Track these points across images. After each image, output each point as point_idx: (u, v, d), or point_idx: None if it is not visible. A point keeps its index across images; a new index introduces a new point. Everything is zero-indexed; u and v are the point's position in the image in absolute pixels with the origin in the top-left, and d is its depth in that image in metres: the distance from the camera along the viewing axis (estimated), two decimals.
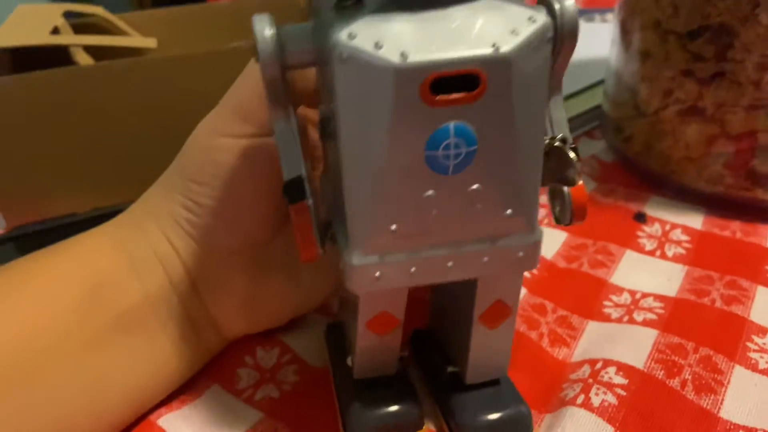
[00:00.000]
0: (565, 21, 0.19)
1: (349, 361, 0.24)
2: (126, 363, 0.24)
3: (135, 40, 0.40)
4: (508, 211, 0.19)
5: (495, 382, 0.24)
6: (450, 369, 0.25)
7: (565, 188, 0.21)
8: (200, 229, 0.25)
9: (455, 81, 0.17)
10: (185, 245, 0.25)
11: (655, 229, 0.35)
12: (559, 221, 0.22)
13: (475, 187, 0.18)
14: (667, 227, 0.35)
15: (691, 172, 0.36)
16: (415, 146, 0.18)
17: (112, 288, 0.24)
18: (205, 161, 0.24)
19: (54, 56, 0.40)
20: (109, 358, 0.24)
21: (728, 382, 0.26)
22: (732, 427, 0.24)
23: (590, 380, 0.26)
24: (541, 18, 0.17)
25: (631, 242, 0.34)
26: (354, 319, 0.22)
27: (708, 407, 0.25)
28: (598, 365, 0.26)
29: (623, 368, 0.26)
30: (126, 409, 0.25)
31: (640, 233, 0.35)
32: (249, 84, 0.24)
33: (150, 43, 0.40)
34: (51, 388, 0.23)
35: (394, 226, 0.19)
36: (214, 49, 0.37)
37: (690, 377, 0.26)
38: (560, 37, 0.19)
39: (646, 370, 0.26)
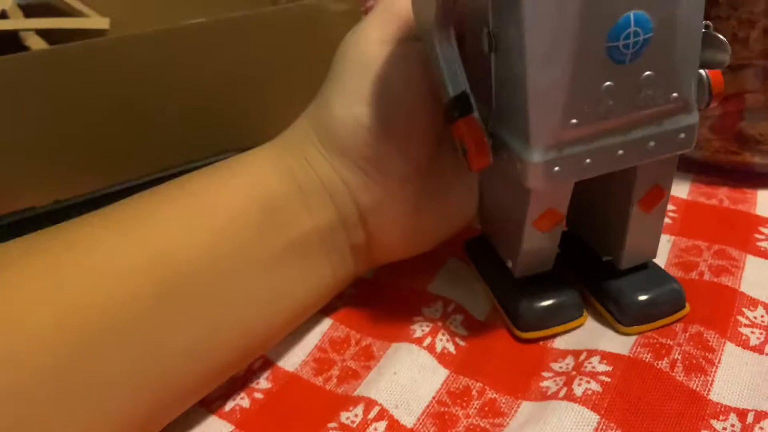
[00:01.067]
0: None
1: (509, 263, 0.27)
2: (294, 281, 0.25)
3: (87, 21, 0.38)
4: (674, 95, 0.21)
5: (643, 267, 0.27)
6: (604, 258, 0.27)
7: (703, 72, 0.22)
8: (371, 157, 0.25)
9: None
10: (354, 177, 0.25)
11: None
12: (700, 103, 0.23)
13: (647, 74, 0.20)
14: None
15: None
16: (598, 38, 0.19)
17: (286, 214, 0.25)
18: (363, 77, 0.24)
19: (3, 42, 0.38)
20: (281, 276, 0.25)
21: (719, 362, 0.25)
22: (722, 409, 0.23)
23: (573, 372, 0.24)
24: None
25: None
26: (515, 222, 0.24)
27: (697, 389, 0.24)
28: (582, 356, 0.25)
29: (607, 356, 0.25)
30: (292, 320, 0.26)
31: None
32: None
33: (102, 23, 0.38)
34: (237, 295, 0.24)
35: (574, 120, 0.20)
36: (169, 27, 0.35)
37: (680, 357, 0.25)
38: None
39: (632, 355, 0.25)
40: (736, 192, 0.33)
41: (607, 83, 0.20)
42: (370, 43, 0.25)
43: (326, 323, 0.28)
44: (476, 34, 0.23)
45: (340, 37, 0.38)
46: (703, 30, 0.21)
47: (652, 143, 0.22)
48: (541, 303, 0.26)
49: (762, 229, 0.31)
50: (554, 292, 0.26)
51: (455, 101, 0.22)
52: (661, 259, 0.30)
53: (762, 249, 0.30)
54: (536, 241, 0.25)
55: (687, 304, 0.26)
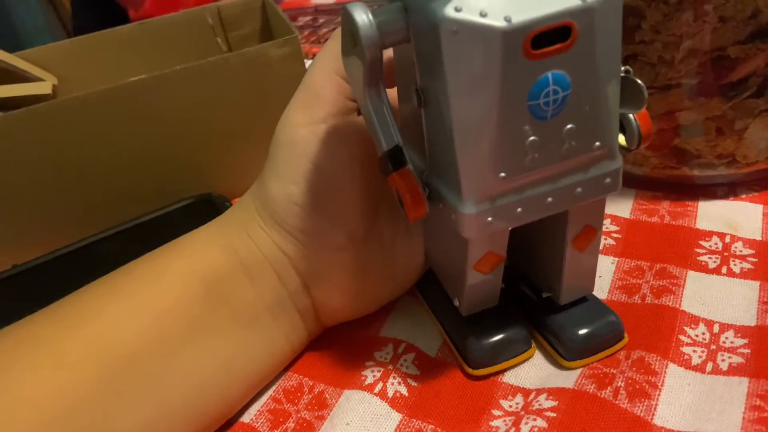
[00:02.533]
0: None
1: (456, 302, 0.27)
2: (245, 351, 0.26)
3: (30, 87, 0.38)
4: (597, 143, 0.22)
5: (583, 300, 0.28)
6: (544, 294, 0.28)
7: (631, 116, 0.24)
8: (307, 231, 0.26)
9: (547, 36, 0.19)
10: (293, 249, 0.26)
11: None
12: (627, 148, 0.24)
13: (569, 127, 0.21)
14: None
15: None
16: (519, 98, 0.20)
17: (229, 287, 0.26)
18: (293, 159, 0.26)
19: None
20: (229, 348, 0.26)
21: (662, 384, 0.25)
22: None
23: (522, 412, 0.25)
24: None
25: None
26: (457, 265, 0.25)
27: (642, 414, 0.24)
28: (531, 396, 0.26)
29: (553, 392, 0.25)
30: (247, 390, 0.27)
31: None
32: (318, 72, 0.26)
33: (45, 88, 0.38)
34: (185, 371, 0.25)
35: (502, 174, 0.21)
36: (112, 86, 0.35)
37: (623, 384, 0.25)
38: None
39: (576, 388, 0.25)
40: (677, 206, 0.34)
41: (531, 138, 0.21)
42: (296, 126, 0.26)
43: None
44: (407, 88, 0.23)
45: (283, 81, 0.38)
46: (622, 75, 0.22)
47: (579, 189, 0.23)
48: (490, 339, 0.27)
49: (702, 243, 0.32)
50: (501, 327, 0.27)
51: (389, 155, 0.23)
52: (605, 283, 0.30)
53: (702, 263, 0.31)
54: (479, 282, 0.26)
55: (626, 335, 0.27)
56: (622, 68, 0.23)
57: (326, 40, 0.60)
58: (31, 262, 0.37)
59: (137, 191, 0.38)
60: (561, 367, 0.27)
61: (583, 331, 0.26)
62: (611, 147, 0.22)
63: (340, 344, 0.29)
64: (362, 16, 0.20)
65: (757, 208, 0.33)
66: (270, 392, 0.28)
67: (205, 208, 0.38)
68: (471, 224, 0.22)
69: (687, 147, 0.33)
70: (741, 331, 0.27)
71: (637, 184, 0.36)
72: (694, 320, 0.28)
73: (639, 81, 0.23)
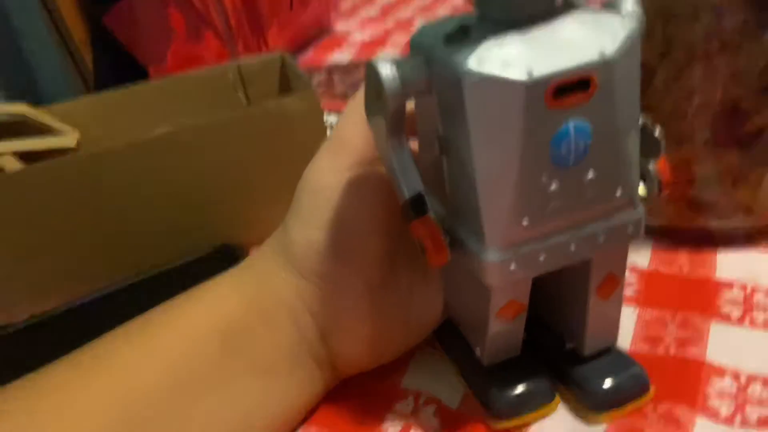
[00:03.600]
0: (638, 19, 0.21)
1: (477, 352, 0.27)
2: (262, 401, 0.26)
3: (55, 140, 0.39)
4: (618, 192, 0.22)
5: (607, 351, 0.27)
6: (568, 345, 0.27)
7: (651, 166, 0.24)
8: (325, 277, 0.26)
9: (569, 85, 0.20)
10: (311, 295, 0.26)
11: None
12: (647, 197, 0.24)
13: (590, 175, 0.21)
14: None
15: None
16: (541, 146, 0.20)
17: (246, 337, 0.26)
18: (317, 205, 0.26)
19: None
20: (245, 396, 0.26)
21: None
22: None
23: None
24: (630, 23, 0.20)
25: None
26: (479, 314, 0.25)
27: None
28: None
29: None
30: None
31: None
32: (347, 122, 0.27)
33: (70, 141, 0.39)
34: (202, 421, 0.25)
35: (525, 221, 0.21)
36: (136, 140, 0.36)
37: None
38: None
39: None
40: (696, 255, 0.34)
41: (554, 186, 0.21)
42: (323, 172, 0.26)
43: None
44: (428, 137, 0.24)
45: (301, 134, 0.39)
46: (640, 125, 0.23)
47: (602, 237, 0.23)
48: (513, 390, 0.26)
49: (723, 293, 0.31)
50: (524, 378, 0.27)
51: (411, 202, 0.23)
52: (627, 334, 0.30)
53: (724, 314, 0.30)
54: (502, 331, 0.26)
55: (652, 387, 0.26)
56: (641, 119, 0.23)
57: (341, 96, 0.62)
58: (49, 312, 0.37)
59: (156, 242, 0.39)
60: (586, 421, 0.26)
61: (608, 384, 0.26)
62: (632, 195, 0.23)
63: (359, 396, 0.29)
64: (386, 70, 0.21)
65: None
66: None
67: (223, 258, 0.39)
68: (494, 272, 0.22)
69: (703, 198, 0.34)
70: None
71: (654, 234, 0.36)
72: (720, 372, 0.27)
73: (656, 130, 0.23)
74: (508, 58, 0.19)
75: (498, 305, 0.24)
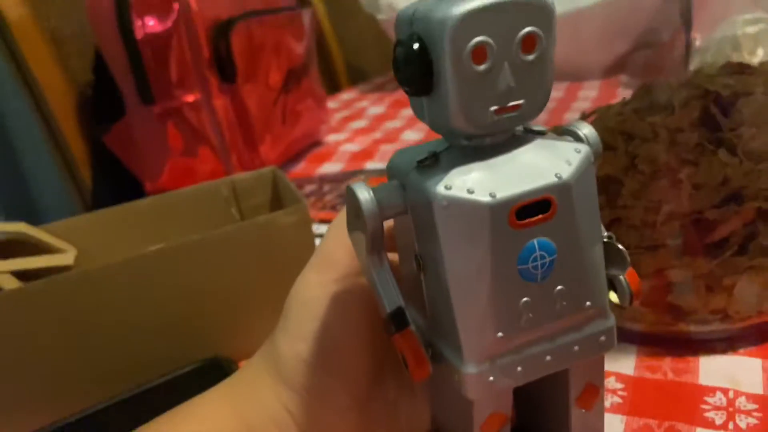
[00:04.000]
0: (592, 143, 0.23)
1: None
2: None
3: (52, 258, 0.40)
4: (588, 303, 0.23)
5: None
6: None
7: (621, 276, 0.24)
8: (312, 390, 0.27)
9: (532, 207, 0.21)
10: (298, 407, 0.27)
11: None
12: (620, 305, 0.25)
13: (559, 288, 0.22)
14: None
15: (616, 313, 0.36)
16: (509, 263, 0.21)
17: None
18: (304, 317, 0.27)
19: None
20: None
21: None
22: None
23: None
24: (584, 148, 0.22)
25: None
26: (463, 427, 0.25)
27: None
28: None
29: None
30: None
31: None
32: (332, 238, 0.28)
33: (67, 259, 0.41)
34: None
35: (500, 334, 0.22)
36: (130, 256, 0.38)
37: None
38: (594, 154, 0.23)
39: None
40: (679, 361, 0.35)
41: (524, 299, 0.22)
42: (310, 286, 0.27)
43: None
44: (406, 253, 0.25)
45: (292, 246, 0.40)
46: (605, 240, 0.24)
47: (576, 347, 0.23)
48: None
49: (707, 399, 0.32)
50: None
51: (391, 317, 0.24)
52: None
53: (709, 419, 0.31)
54: None
55: None
56: (605, 233, 0.24)
57: (332, 206, 0.64)
58: (39, 430, 0.37)
59: (149, 356, 0.39)
60: None
61: None
62: (602, 306, 0.24)
63: None
64: (364, 194, 0.23)
65: (756, 363, 0.34)
66: None
67: (212, 372, 0.39)
68: (473, 384, 0.23)
69: (680, 303, 0.35)
70: None
71: (638, 340, 0.37)
72: None
73: (620, 246, 0.24)
74: (474, 183, 0.21)
75: (481, 418, 0.25)
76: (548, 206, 0.22)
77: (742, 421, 0.30)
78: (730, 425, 0.30)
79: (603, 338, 0.24)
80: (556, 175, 0.21)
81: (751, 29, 0.47)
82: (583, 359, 0.24)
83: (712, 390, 0.32)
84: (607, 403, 0.33)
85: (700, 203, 0.32)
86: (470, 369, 0.22)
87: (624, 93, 0.37)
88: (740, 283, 0.34)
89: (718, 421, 0.30)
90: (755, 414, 0.30)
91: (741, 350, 0.35)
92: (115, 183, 0.78)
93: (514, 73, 0.21)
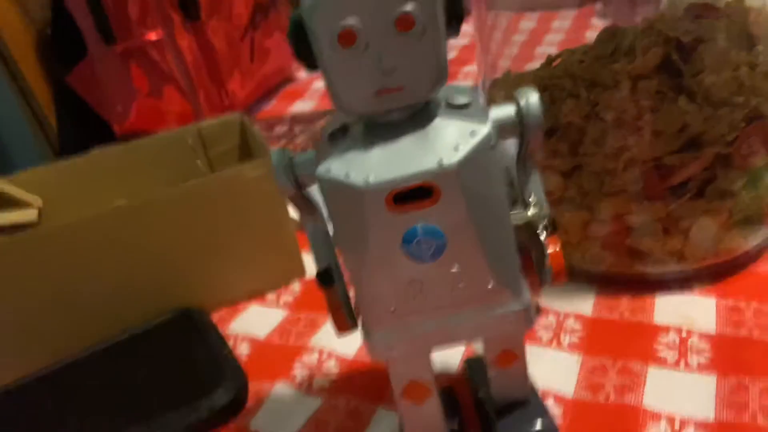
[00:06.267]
0: (531, 116, 0.22)
1: None
2: None
3: (15, 215, 0.40)
4: (490, 285, 0.23)
5: (524, 403, 0.28)
6: (480, 394, 0.29)
7: (544, 255, 0.24)
8: None
9: (417, 190, 0.21)
10: None
11: (550, 320, 0.36)
12: (542, 283, 0.25)
13: (454, 269, 0.22)
14: (561, 317, 0.36)
15: (576, 255, 0.37)
16: (392, 244, 0.21)
17: None
18: None
19: None
20: None
21: None
22: None
23: None
24: (483, 130, 0.21)
25: (529, 334, 0.35)
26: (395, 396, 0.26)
27: None
28: None
29: None
30: None
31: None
32: None
33: (30, 216, 0.40)
34: None
35: (392, 308, 0.23)
36: (96, 212, 0.37)
37: None
38: (526, 127, 0.22)
39: None
40: (636, 301, 0.36)
41: (414, 278, 0.22)
42: None
43: None
44: None
45: (258, 199, 0.40)
46: (520, 224, 0.24)
47: (479, 325, 0.24)
48: None
49: (660, 338, 0.33)
50: None
51: (319, 274, 0.25)
52: (571, 381, 0.32)
53: (661, 358, 0.32)
54: (415, 416, 0.26)
55: None
56: (531, 212, 0.24)
57: (303, 148, 0.63)
58: (7, 386, 0.37)
59: (118, 310, 0.39)
60: None
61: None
62: (510, 287, 0.23)
63: None
64: (277, 161, 0.23)
65: (710, 301, 0.35)
66: None
67: (183, 323, 0.40)
68: (372, 349, 0.24)
69: (639, 246, 0.36)
70: (702, 426, 0.28)
71: (597, 281, 0.38)
72: (656, 417, 0.29)
73: (541, 238, 0.24)
74: (354, 165, 0.21)
75: (399, 384, 0.25)
76: (430, 192, 0.21)
77: (694, 360, 0.32)
78: (682, 364, 0.32)
79: (512, 318, 0.24)
80: (438, 162, 0.20)
81: None
82: (490, 336, 0.25)
83: (666, 329, 0.34)
84: (565, 342, 0.34)
85: (660, 150, 0.32)
86: (369, 334, 0.24)
87: (598, 24, 0.37)
88: (697, 226, 0.34)
89: (670, 360, 0.32)
90: (706, 354, 0.32)
91: (696, 289, 0.36)
92: (82, 126, 0.77)
93: (392, 54, 0.19)
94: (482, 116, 0.22)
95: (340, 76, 0.20)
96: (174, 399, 0.33)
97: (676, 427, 0.28)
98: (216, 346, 0.37)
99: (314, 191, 0.24)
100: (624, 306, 0.36)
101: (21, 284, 0.37)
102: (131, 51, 0.67)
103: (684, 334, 0.33)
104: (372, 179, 0.20)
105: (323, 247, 0.25)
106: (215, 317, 0.41)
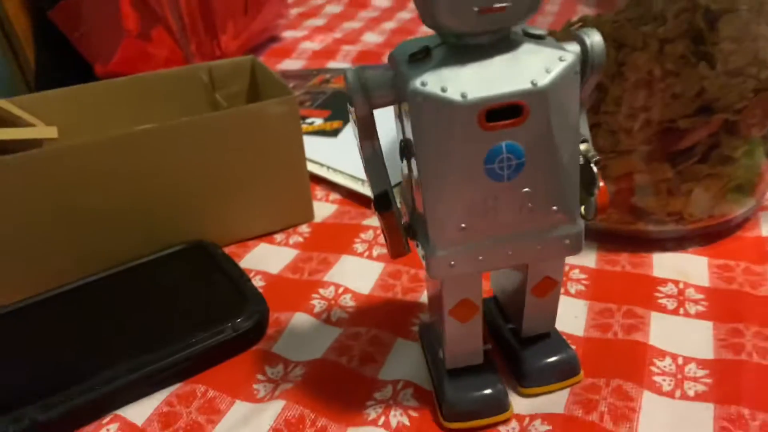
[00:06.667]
0: (595, 54, 0.24)
1: (440, 354, 0.29)
2: None
3: (36, 131, 0.39)
4: (554, 208, 0.24)
5: (546, 335, 0.30)
6: (509, 326, 0.31)
7: (593, 190, 0.26)
8: None
9: (504, 110, 0.22)
10: None
11: None
12: (585, 217, 0.26)
13: (525, 190, 0.24)
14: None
15: None
16: (476, 161, 0.23)
17: None
18: None
19: None
20: None
21: (640, 408, 0.29)
22: None
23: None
24: (570, 56, 0.23)
25: None
26: (439, 312, 0.27)
27: None
28: (525, 421, 0.28)
29: (546, 417, 0.28)
30: None
31: None
32: None
33: (51, 132, 0.39)
34: None
35: (463, 224, 0.24)
36: (115, 134, 0.37)
37: (606, 409, 0.29)
38: (590, 66, 0.24)
39: (566, 413, 0.28)
40: (635, 257, 0.39)
41: (490, 196, 0.23)
42: None
43: (279, 404, 0.30)
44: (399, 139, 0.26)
45: (278, 137, 0.41)
46: (582, 163, 0.25)
47: (538, 247, 0.25)
48: (466, 398, 0.28)
49: (660, 288, 0.36)
50: (482, 383, 0.28)
51: (377, 198, 0.26)
52: (581, 322, 0.34)
53: (662, 305, 0.35)
54: (458, 332, 0.28)
55: (581, 371, 0.30)
56: (593, 155, 0.25)
57: (299, 102, 0.63)
58: (18, 303, 0.37)
59: (131, 237, 0.39)
60: (520, 396, 0.29)
61: (540, 363, 0.29)
62: (571, 212, 0.25)
63: (339, 381, 0.31)
64: (355, 80, 0.23)
65: (703, 260, 0.38)
66: (271, 423, 0.29)
67: (196, 254, 0.40)
68: (436, 266, 0.25)
69: (642, 205, 0.38)
70: (702, 363, 0.31)
71: (599, 237, 0.40)
72: (661, 354, 0.32)
73: (595, 170, 0.26)
74: (449, 82, 0.22)
75: (451, 302, 0.26)
76: (520, 111, 0.22)
77: (692, 308, 0.34)
78: (681, 311, 0.34)
79: (567, 242, 0.25)
80: (531, 82, 0.22)
81: None
82: (546, 258, 0.26)
83: (664, 281, 0.36)
84: (572, 290, 0.36)
85: (675, 112, 0.35)
86: (434, 252, 0.24)
87: (584, 10, 0.39)
88: (698, 189, 0.37)
89: (670, 307, 0.35)
90: (702, 303, 0.35)
91: (690, 249, 0.39)
92: (61, 64, 0.74)
93: None
94: (564, 46, 0.23)
95: None
96: (196, 322, 0.34)
97: (680, 363, 0.31)
98: (234, 274, 0.37)
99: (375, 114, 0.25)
100: (624, 260, 0.38)
101: (34, 203, 0.36)
102: None
103: (681, 286, 0.36)
104: (469, 95, 0.22)
105: (381, 171, 0.26)
106: (226, 252, 0.41)
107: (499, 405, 0.28)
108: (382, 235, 0.27)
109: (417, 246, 0.26)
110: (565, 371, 0.30)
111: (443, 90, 0.22)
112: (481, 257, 0.25)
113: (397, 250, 0.26)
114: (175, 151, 0.39)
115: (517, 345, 0.30)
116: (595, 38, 0.24)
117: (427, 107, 0.22)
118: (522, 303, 0.29)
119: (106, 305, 0.36)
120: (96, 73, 0.70)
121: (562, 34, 0.24)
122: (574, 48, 0.24)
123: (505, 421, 0.29)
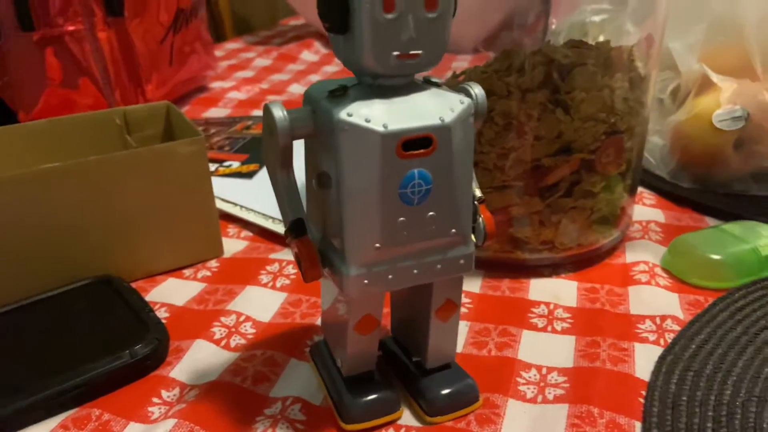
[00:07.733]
0: (478, 103, 0.28)
1: (338, 363, 0.32)
2: None
3: None
4: (453, 230, 0.28)
5: (447, 367, 0.33)
6: (414, 359, 0.33)
7: (480, 219, 0.30)
8: None
9: (416, 142, 0.26)
10: None
11: None
12: (475, 243, 0.30)
13: (431, 213, 0.27)
14: None
15: None
16: (392, 186, 0.26)
17: None
18: None
19: None
20: None
21: (504, 414, 0.32)
22: None
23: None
24: (467, 101, 0.27)
25: None
26: (342, 327, 0.30)
27: None
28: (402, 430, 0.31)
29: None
30: None
31: None
32: None
33: None
34: None
35: (378, 245, 0.27)
36: (25, 171, 0.39)
37: (473, 418, 0.32)
38: (476, 112, 0.28)
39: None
40: (514, 282, 0.42)
41: (401, 219, 0.27)
42: None
43: (170, 422, 0.31)
44: (312, 172, 0.29)
45: (187, 176, 0.43)
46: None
47: (439, 266, 0.28)
48: (363, 399, 0.31)
49: (533, 309, 0.40)
50: (375, 390, 0.31)
51: (292, 225, 0.28)
52: (461, 340, 0.37)
53: (533, 324, 0.38)
54: (358, 344, 0.30)
55: (480, 397, 0.32)
56: (477, 194, 0.30)
57: (219, 147, 0.66)
58: None
59: (41, 271, 0.40)
60: (424, 424, 0.32)
61: (445, 392, 0.31)
62: (465, 234, 0.29)
63: (230, 400, 0.33)
64: (278, 112, 0.27)
65: (573, 284, 0.42)
66: None
67: (102, 288, 0.41)
68: (352, 285, 0.27)
69: (519, 235, 0.42)
70: (562, 371, 0.34)
71: (484, 266, 0.44)
72: (528, 366, 0.35)
73: (476, 203, 0.30)
74: (371, 115, 0.25)
75: (356, 318, 0.29)
76: (430, 143, 0.26)
77: (558, 325, 0.38)
78: (549, 328, 0.38)
79: (462, 261, 0.29)
80: (439, 118, 0.26)
81: (597, 18, 0.55)
82: (444, 277, 0.29)
83: (538, 303, 0.40)
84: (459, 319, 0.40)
85: (540, 152, 0.39)
86: (351, 271, 0.27)
87: (459, 63, 0.44)
88: (565, 220, 0.42)
89: (540, 325, 0.38)
90: (568, 320, 0.39)
91: (562, 275, 0.43)
92: None
93: (416, 26, 0.25)
94: (460, 93, 0.28)
95: (372, 37, 0.24)
96: (96, 350, 0.35)
97: (543, 372, 0.35)
98: (137, 305, 0.39)
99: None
100: (505, 286, 0.42)
101: None
102: (48, 39, 0.67)
103: (552, 307, 0.40)
104: (390, 126, 0.25)
105: (295, 199, 0.29)
106: (133, 286, 0.43)
107: (392, 406, 0.31)
108: (293, 264, 0.29)
109: (331, 271, 0.28)
110: (468, 399, 0.32)
111: (367, 120, 0.25)
112: (390, 276, 0.28)
113: (312, 274, 0.28)
114: (84, 189, 0.41)
115: (421, 378, 0.32)
116: (477, 90, 0.28)
117: (353, 135, 0.25)
118: (425, 331, 0.31)
119: (8, 336, 0.37)
120: (20, 121, 0.71)
121: (450, 85, 0.28)
122: (467, 95, 0.28)
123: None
